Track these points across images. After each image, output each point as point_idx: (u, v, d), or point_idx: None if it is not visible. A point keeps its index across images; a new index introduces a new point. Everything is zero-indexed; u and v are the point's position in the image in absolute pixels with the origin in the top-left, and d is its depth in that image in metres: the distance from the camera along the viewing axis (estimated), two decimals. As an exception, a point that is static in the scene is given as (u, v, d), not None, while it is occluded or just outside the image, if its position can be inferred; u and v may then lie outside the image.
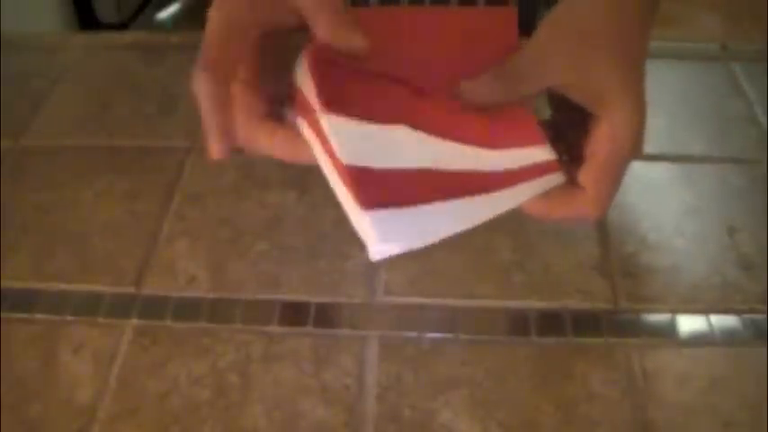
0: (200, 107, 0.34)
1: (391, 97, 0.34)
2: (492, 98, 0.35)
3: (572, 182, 0.36)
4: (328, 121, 0.32)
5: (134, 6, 1.71)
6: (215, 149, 0.35)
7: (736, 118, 0.71)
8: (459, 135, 0.35)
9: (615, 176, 0.36)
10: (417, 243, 0.32)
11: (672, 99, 0.74)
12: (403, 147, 0.33)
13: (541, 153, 0.36)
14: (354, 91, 0.33)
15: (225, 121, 0.35)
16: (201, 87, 0.35)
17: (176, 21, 1.60)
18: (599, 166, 0.35)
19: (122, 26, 1.68)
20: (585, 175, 0.36)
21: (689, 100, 0.74)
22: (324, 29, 0.35)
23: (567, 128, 0.37)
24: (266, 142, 0.37)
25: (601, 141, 0.35)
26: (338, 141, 0.32)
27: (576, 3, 0.36)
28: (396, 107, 0.34)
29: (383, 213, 0.32)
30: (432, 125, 0.34)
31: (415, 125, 0.34)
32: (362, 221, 0.32)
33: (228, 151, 0.35)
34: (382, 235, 0.31)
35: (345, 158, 0.32)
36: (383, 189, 0.32)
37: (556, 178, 0.36)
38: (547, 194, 0.36)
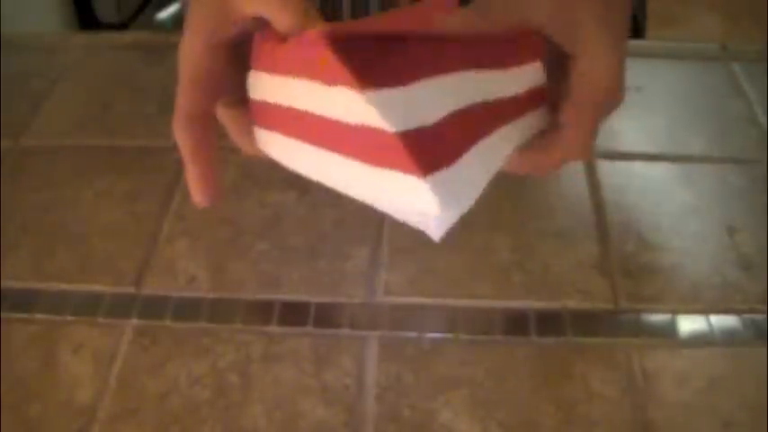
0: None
1: (404, 55, 0.34)
2: (470, 28, 0.34)
3: (553, 125, 0.37)
4: (369, 99, 0.30)
5: (134, 6, 1.72)
6: (197, 200, 0.37)
7: (736, 118, 0.71)
8: (474, 62, 0.35)
9: (593, 113, 0.36)
10: (468, 202, 0.32)
11: (672, 99, 0.74)
12: (438, 92, 0.33)
13: (538, 73, 0.37)
14: (374, 63, 0.33)
15: (203, 169, 0.36)
16: (178, 137, 0.35)
17: (176, 21, 1.60)
18: (577, 102, 0.36)
19: (122, 26, 1.69)
20: (565, 113, 0.36)
21: (689, 100, 0.74)
22: (290, 18, 0.33)
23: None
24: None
25: (577, 78, 0.35)
26: (384, 115, 0.31)
27: None
28: (412, 61, 0.34)
29: (439, 176, 0.31)
30: (450, 63, 0.34)
31: (438, 69, 0.34)
32: (421, 194, 0.31)
33: (211, 199, 0.37)
34: (444, 201, 0.31)
35: (396, 127, 0.30)
36: (437, 145, 0.32)
37: (544, 114, 0.37)
38: (535, 144, 0.37)
